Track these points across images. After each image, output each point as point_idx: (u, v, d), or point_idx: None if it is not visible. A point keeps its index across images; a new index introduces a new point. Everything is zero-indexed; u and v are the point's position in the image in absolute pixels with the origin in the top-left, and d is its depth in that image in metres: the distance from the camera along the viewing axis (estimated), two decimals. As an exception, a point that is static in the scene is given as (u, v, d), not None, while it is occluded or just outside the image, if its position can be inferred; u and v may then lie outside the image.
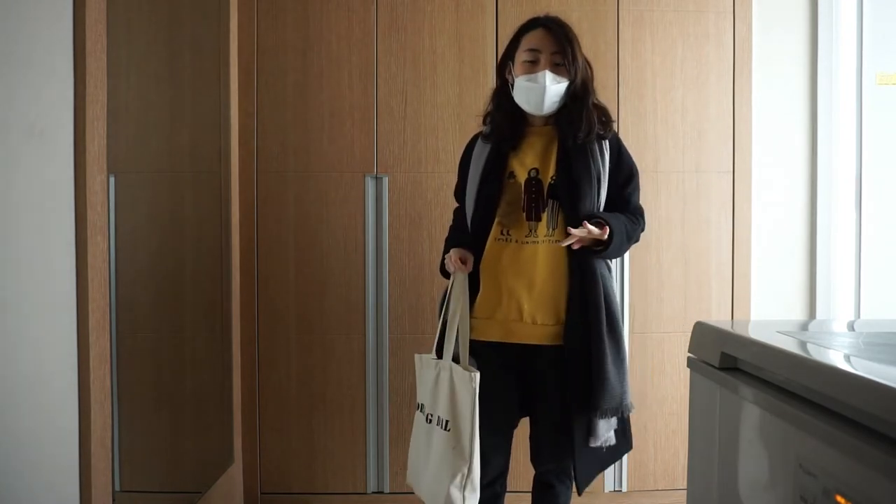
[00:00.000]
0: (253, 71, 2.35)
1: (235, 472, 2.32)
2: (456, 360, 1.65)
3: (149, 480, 1.87)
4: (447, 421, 1.61)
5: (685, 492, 1.19)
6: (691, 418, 1.15)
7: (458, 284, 1.66)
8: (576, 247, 1.57)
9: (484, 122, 1.75)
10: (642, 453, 2.38)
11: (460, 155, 1.84)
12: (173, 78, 2.03)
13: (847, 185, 2.41)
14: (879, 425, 0.67)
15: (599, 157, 1.65)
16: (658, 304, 2.39)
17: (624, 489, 2.38)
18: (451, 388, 1.61)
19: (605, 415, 1.59)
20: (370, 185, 2.36)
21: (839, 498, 0.71)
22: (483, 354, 1.67)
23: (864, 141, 2.39)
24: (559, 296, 1.62)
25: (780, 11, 2.44)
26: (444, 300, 1.74)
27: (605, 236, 1.56)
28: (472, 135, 1.83)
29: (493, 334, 1.66)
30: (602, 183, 1.65)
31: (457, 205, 1.85)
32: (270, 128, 2.36)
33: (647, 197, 2.37)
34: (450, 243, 1.77)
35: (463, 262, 1.66)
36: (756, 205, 2.43)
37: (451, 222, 1.88)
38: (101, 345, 1.34)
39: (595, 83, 1.70)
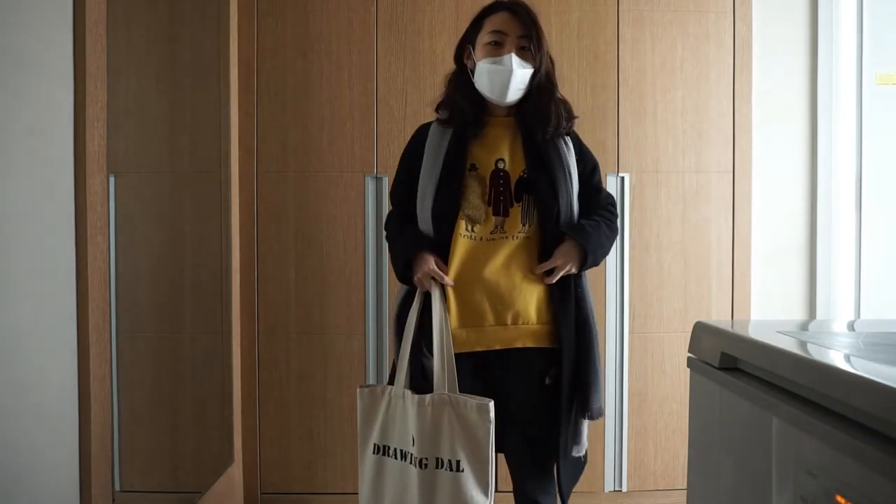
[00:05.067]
0: (253, 71, 2.35)
1: (235, 472, 2.32)
2: (417, 387, 1.51)
3: (149, 480, 1.88)
4: (458, 461, 1.43)
5: (685, 492, 1.19)
6: (691, 418, 1.15)
7: (436, 299, 1.50)
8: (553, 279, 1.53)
9: (437, 110, 1.62)
10: (642, 453, 2.39)
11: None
12: (173, 78, 2.03)
13: (847, 185, 2.41)
14: (879, 425, 0.67)
15: (566, 152, 1.58)
16: (658, 304, 2.39)
17: (624, 489, 2.38)
18: (461, 424, 1.44)
19: (593, 415, 1.55)
20: (370, 185, 2.36)
21: (839, 498, 0.70)
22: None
23: (864, 141, 2.39)
24: (538, 294, 1.54)
25: (780, 11, 2.44)
26: (400, 315, 1.59)
27: (572, 267, 1.53)
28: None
29: (467, 343, 1.53)
30: (573, 177, 1.59)
31: (392, 209, 1.70)
32: (270, 128, 2.36)
33: (647, 197, 2.38)
34: (405, 245, 1.57)
35: (437, 274, 1.51)
36: (756, 205, 2.43)
37: (392, 228, 1.68)
38: (101, 345, 1.34)
39: (557, 75, 1.64)
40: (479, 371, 1.55)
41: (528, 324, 1.53)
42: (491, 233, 1.53)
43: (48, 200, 1.23)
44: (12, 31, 1.14)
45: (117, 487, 1.56)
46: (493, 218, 1.54)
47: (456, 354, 1.50)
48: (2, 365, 1.11)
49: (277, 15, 2.35)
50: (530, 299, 1.53)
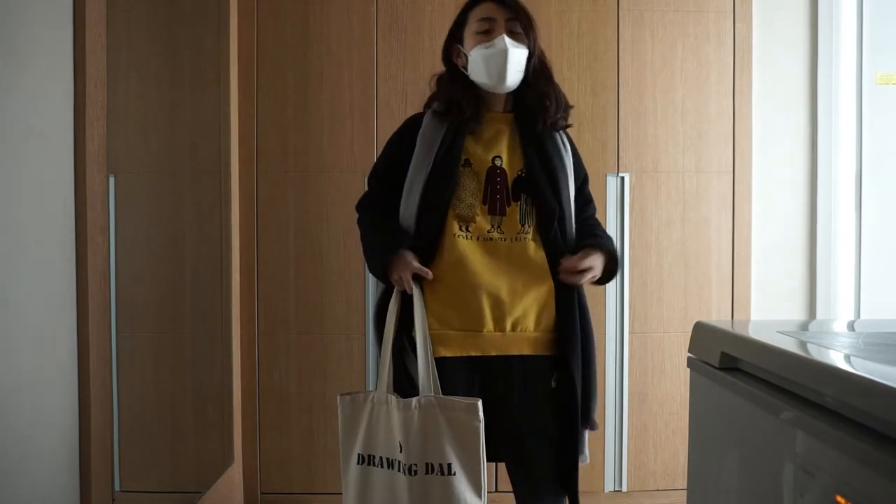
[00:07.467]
0: (253, 71, 2.35)
1: (235, 472, 2.32)
2: (403, 391, 1.45)
3: (149, 480, 1.88)
4: (449, 464, 1.37)
5: (685, 492, 1.19)
6: (691, 418, 1.15)
7: (417, 300, 1.44)
8: (582, 280, 1.48)
9: (428, 105, 1.55)
10: (642, 453, 2.39)
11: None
12: (173, 78, 2.03)
13: (847, 185, 2.41)
14: (879, 425, 0.67)
15: (564, 153, 1.53)
16: (658, 304, 2.39)
17: (624, 489, 2.38)
18: (449, 426, 1.37)
19: (592, 427, 1.52)
20: (370, 185, 2.36)
21: (839, 498, 0.70)
22: (448, 376, 1.44)
23: (864, 141, 2.39)
24: (540, 301, 1.47)
25: (781, 11, 2.44)
26: (379, 315, 1.52)
27: (597, 266, 1.48)
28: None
29: (462, 347, 1.46)
30: (571, 179, 1.54)
31: (368, 195, 1.62)
32: (270, 128, 2.36)
33: (647, 197, 2.38)
34: (383, 240, 1.50)
35: (418, 275, 1.45)
36: (756, 205, 2.43)
37: (366, 215, 1.60)
38: (101, 345, 1.34)
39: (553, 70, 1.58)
40: (474, 377, 1.48)
41: (526, 331, 1.47)
42: (488, 232, 1.46)
43: (48, 200, 1.23)
44: (12, 31, 1.14)
45: (117, 487, 1.56)
46: (490, 217, 1.47)
47: (451, 358, 1.45)
48: (2, 365, 1.11)
49: (277, 15, 2.35)
50: (531, 306, 1.47)
